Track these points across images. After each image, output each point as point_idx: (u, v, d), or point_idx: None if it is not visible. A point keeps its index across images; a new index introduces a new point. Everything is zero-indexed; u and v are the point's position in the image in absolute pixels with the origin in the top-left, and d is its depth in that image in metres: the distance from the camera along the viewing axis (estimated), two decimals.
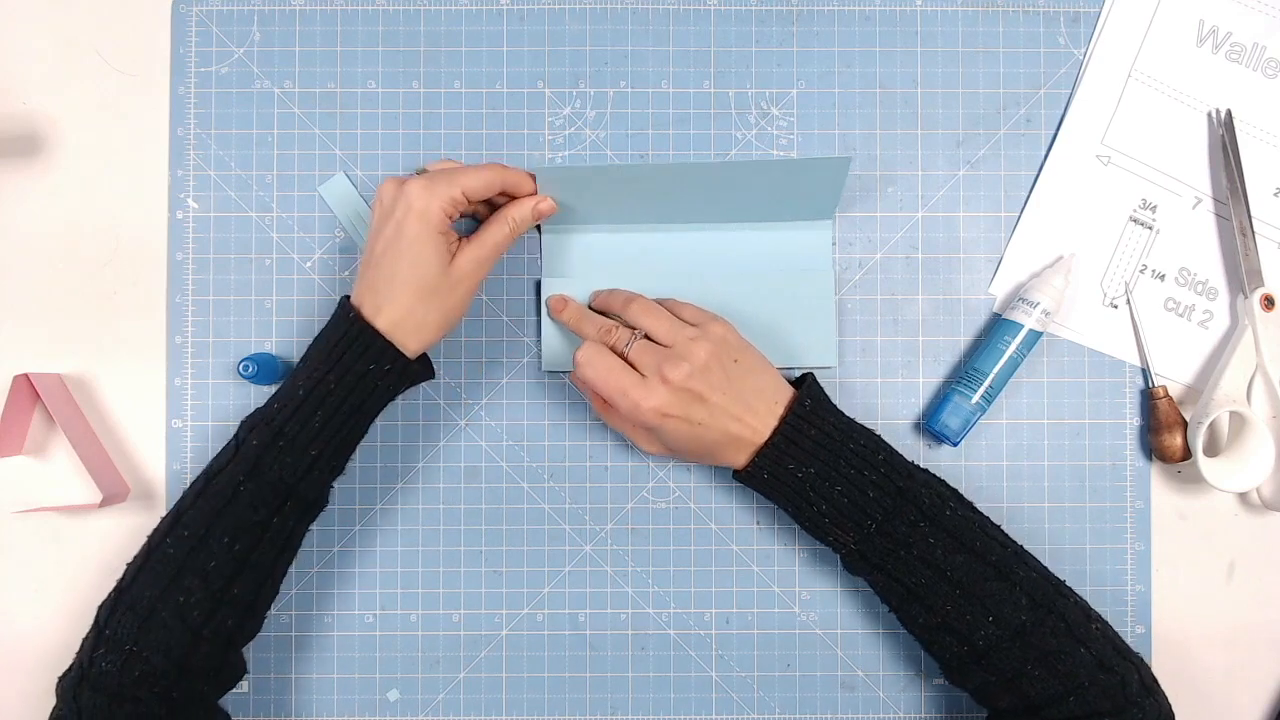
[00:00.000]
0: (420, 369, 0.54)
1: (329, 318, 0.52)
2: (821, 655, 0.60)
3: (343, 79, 0.60)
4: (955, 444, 0.58)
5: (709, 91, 0.60)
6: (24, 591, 0.59)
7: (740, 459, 0.51)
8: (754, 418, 0.50)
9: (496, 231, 0.53)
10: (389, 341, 0.50)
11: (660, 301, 0.55)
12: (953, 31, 0.61)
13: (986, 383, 0.57)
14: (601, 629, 0.60)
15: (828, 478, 0.50)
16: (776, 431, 0.50)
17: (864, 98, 0.61)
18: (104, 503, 0.57)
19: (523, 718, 0.59)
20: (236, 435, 0.51)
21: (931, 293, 0.60)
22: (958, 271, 0.60)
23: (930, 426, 0.59)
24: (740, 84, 0.60)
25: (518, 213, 0.53)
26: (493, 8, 0.60)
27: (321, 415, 0.50)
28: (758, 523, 0.60)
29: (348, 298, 0.52)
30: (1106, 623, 0.50)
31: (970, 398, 0.58)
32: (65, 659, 0.49)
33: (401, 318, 0.50)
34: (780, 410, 0.51)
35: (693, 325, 0.52)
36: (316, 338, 0.52)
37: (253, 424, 0.50)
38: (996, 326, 0.58)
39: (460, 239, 0.53)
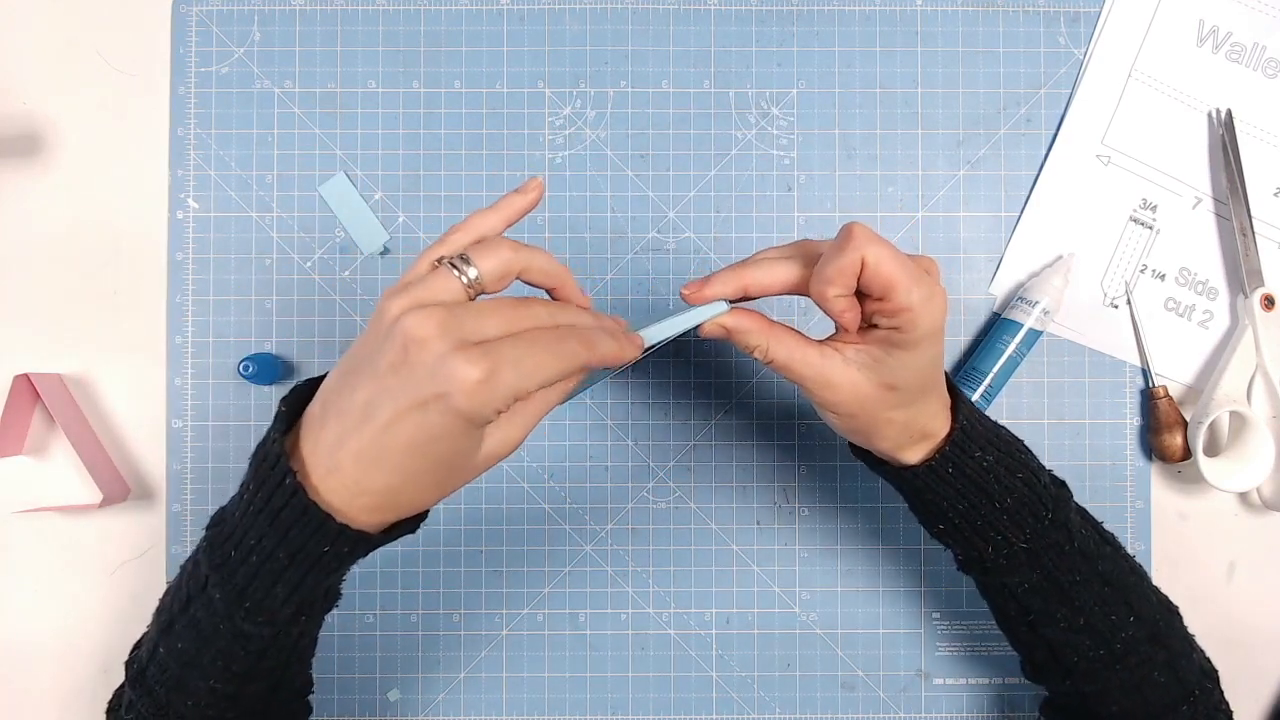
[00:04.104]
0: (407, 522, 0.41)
1: (261, 450, 0.38)
2: (821, 655, 0.60)
3: (343, 79, 0.60)
4: None
5: (709, 91, 0.60)
6: (24, 591, 0.59)
7: (916, 454, 0.45)
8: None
9: (548, 399, 0.39)
10: (353, 530, 0.37)
11: None
12: (953, 31, 0.61)
13: (986, 382, 0.57)
14: (601, 629, 0.60)
15: (1007, 465, 0.45)
16: (954, 420, 0.45)
17: (864, 98, 0.61)
18: (104, 503, 0.57)
19: (523, 718, 0.59)
20: (198, 563, 0.40)
21: None
22: (958, 271, 0.60)
23: None
24: (740, 84, 0.60)
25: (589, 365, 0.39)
26: (493, 8, 0.60)
27: (283, 588, 0.38)
28: (758, 522, 0.60)
29: (282, 442, 0.37)
30: None
31: (970, 397, 0.58)
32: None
33: (381, 499, 0.37)
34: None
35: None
36: (254, 483, 0.37)
37: (213, 560, 0.39)
38: (996, 326, 0.58)
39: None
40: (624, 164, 0.60)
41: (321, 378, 0.39)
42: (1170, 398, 0.59)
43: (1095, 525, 0.48)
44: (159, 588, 0.59)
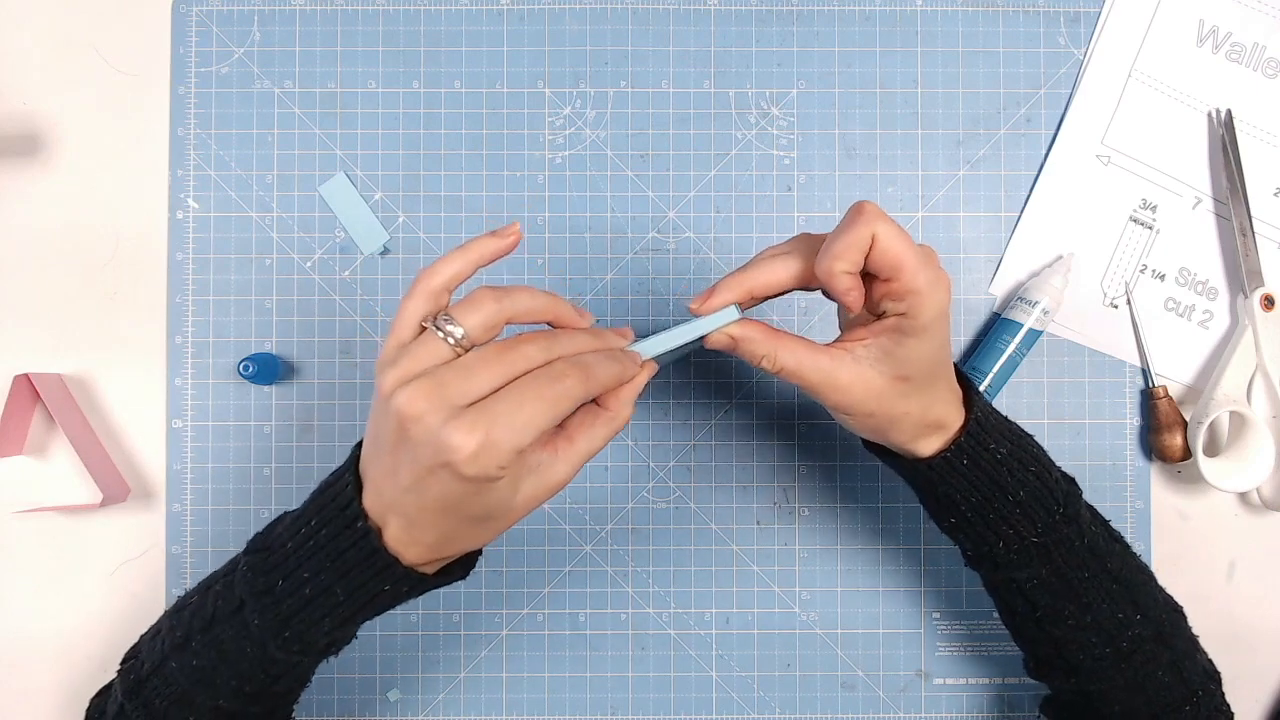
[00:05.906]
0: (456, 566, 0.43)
1: (330, 492, 0.40)
2: (821, 655, 0.60)
3: (343, 79, 0.60)
4: None
5: (709, 91, 0.60)
6: (24, 591, 0.59)
7: (931, 445, 0.44)
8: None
9: (594, 439, 0.40)
10: (417, 573, 0.40)
11: None
12: (953, 31, 0.61)
13: (986, 382, 0.57)
14: (601, 629, 0.60)
15: (1019, 458, 0.45)
16: (969, 411, 0.45)
17: (864, 98, 0.61)
18: (104, 503, 0.57)
19: (523, 718, 0.59)
20: (236, 584, 0.41)
21: None
22: (958, 271, 0.60)
23: None
24: (740, 84, 0.60)
25: (623, 409, 0.41)
26: (493, 8, 0.60)
27: (331, 621, 0.40)
28: (758, 522, 0.60)
29: (355, 485, 0.39)
30: None
31: None
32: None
33: (435, 548, 0.39)
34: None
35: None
36: (316, 520, 0.39)
37: (254, 586, 0.40)
38: (996, 326, 0.58)
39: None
40: (624, 164, 0.60)
41: None
42: (1170, 398, 0.59)
43: (1104, 523, 0.48)
44: (159, 588, 0.59)
